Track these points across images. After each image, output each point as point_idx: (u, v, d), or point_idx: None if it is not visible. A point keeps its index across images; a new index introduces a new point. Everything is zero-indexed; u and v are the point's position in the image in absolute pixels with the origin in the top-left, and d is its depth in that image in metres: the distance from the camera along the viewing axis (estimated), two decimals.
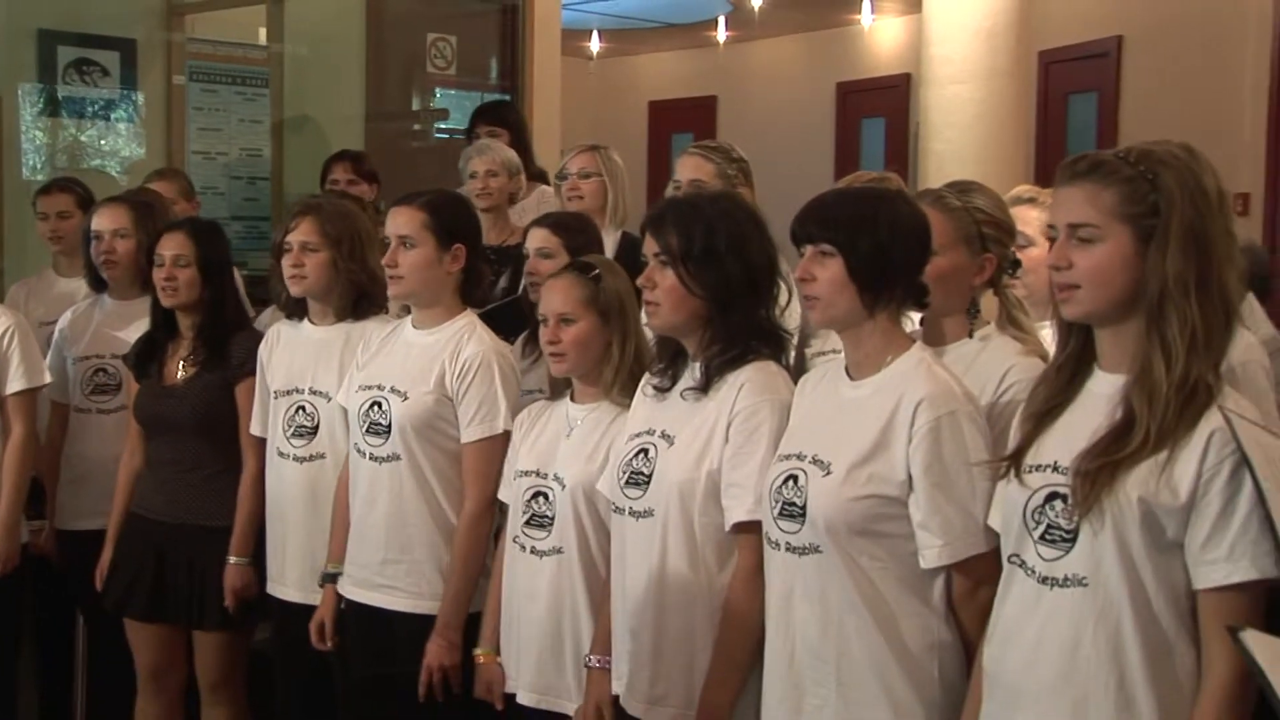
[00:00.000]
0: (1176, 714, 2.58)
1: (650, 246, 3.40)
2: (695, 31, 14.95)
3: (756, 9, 13.24)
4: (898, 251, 3.05)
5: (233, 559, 4.60)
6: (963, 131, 8.55)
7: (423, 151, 9.31)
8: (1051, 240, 3.29)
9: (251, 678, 4.86)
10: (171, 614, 4.71)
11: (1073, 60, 11.53)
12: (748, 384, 3.29)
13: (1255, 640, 2.30)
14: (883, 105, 13.89)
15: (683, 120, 15.55)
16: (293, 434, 4.46)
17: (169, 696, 4.87)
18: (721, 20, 14.51)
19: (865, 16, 13.65)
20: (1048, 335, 3.71)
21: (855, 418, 3.04)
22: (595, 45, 15.31)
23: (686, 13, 14.19)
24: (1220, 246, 2.62)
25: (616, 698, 3.46)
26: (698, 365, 3.39)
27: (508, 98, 8.32)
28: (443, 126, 9.29)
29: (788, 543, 3.06)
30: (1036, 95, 10.51)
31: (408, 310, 4.35)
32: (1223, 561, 2.54)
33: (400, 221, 4.12)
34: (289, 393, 4.50)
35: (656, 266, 3.37)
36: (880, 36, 14.03)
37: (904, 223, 3.09)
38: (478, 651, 3.94)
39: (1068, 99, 11.78)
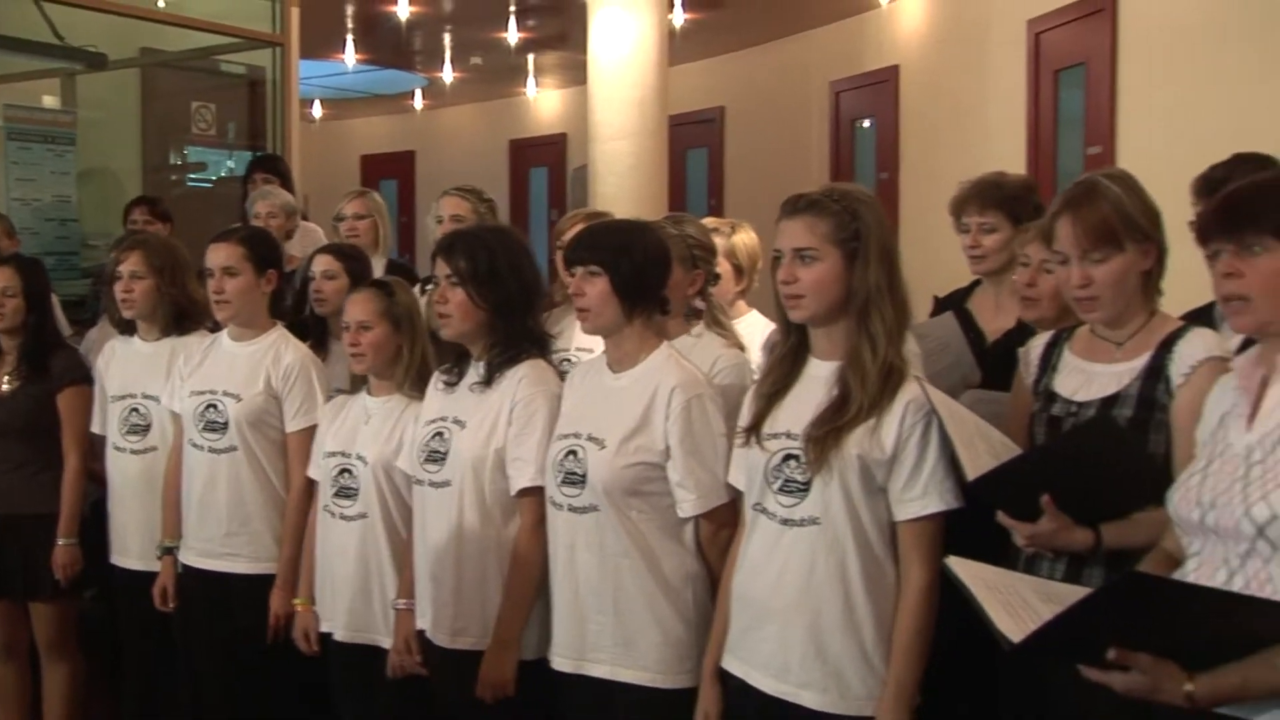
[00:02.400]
0: (886, 616, 2.62)
1: (442, 269, 3.27)
2: (398, 100, 14.75)
3: (447, 84, 13.18)
4: (650, 271, 3.01)
5: (61, 540, 4.31)
6: (620, 177, 8.55)
7: (189, 196, 8.94)
8: (734, 265, 3.26)
9: (82, 637, 4.58)
10: (10, 590, 4.42)
11: (690, 124, 11.73)
12: (525, 378, 3.21)
13: (958, 564, 2.30)
14: (545, 157, 13.88)
15: (388, 170, 15.28)
16: (128, 431, 4.21)
17: (19, 661, 4.56)
18: (418, 91, 14.35)
19: (530, 89, 13.71)
20: (739, 327, 3.75)
21: (621, 402, 2.99)
22: (318, 111, 14.96)
23: (390, 86, 13.98)
24: (898, 262, 2.65)
25: (420, 632, 3.33)
26: (481, 364, 3.28)
27: (273, 153, 8.05)
28: (195, 177, 9.05)
29: (570, 504, 3.00)
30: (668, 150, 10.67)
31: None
32: (917, 499, 2.59)
33: (222, 255, 3.90)
34: (124, 397, 4.24)
35: (448, 286, 3.25)
36: (542, 104, 14.04)
37: (654, 248, 3.07)
38: (295, 601, 3.76)
39: (686, 154, 11.99)
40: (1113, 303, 2.63)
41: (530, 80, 13.44)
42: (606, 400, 3.02)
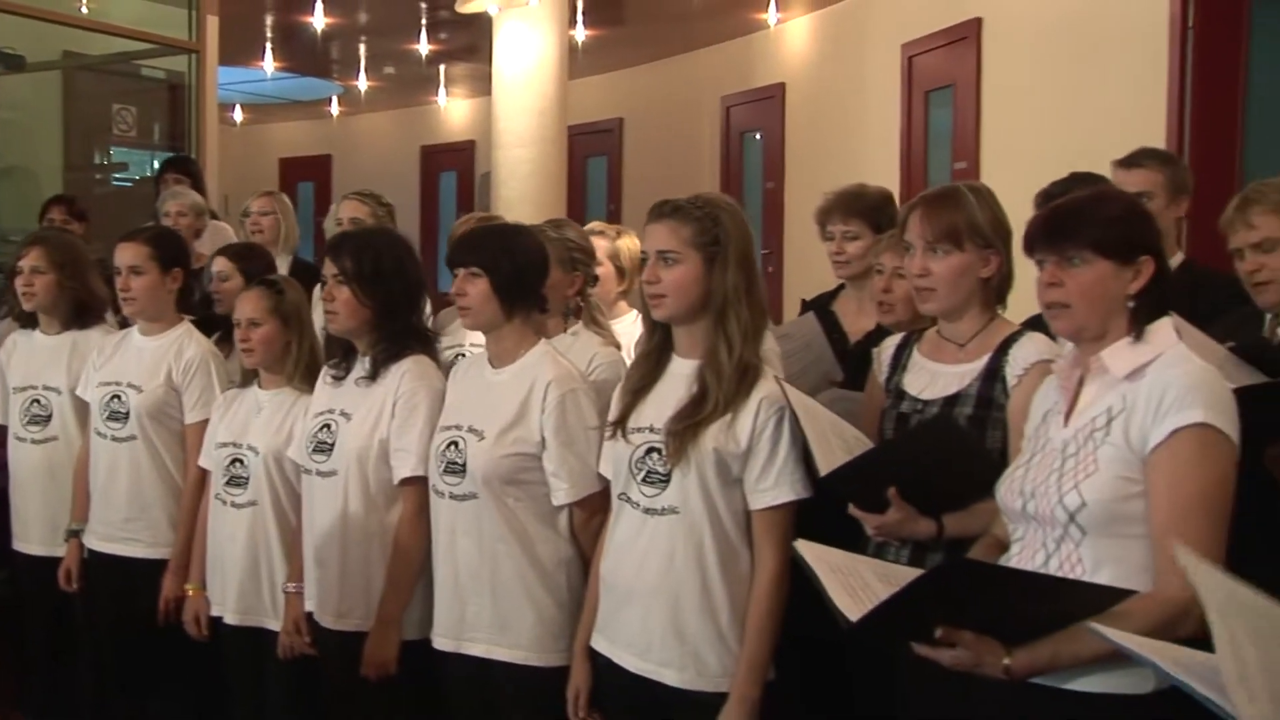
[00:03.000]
0: (740, 599, 2.62)
1: (330, 268, 3.22)
2: (315, 106, 14.54)
3: (362, 92, 13.03)
4: (528, 272, 2.99)
5: None
6: (522, 181, 8.54)
7: (111, 196, 8.86)
8: (618, 267, 3.26)
9: None
10: None
11: (591, 134, 11.72)
12: (408, 373, 3.17)
13: (805, 548, 2.31)
14: (455, 163, 13.78)
15: (306, 173, 15.07)
16: (29, 422, 4.08)
17: None
18: (335, 98, 14.17)
19: (441, 98, 13.59)
20: (617, 328, 3.74)
21: (500, 396, 2.96)
22: (239, 115, 14.70)
23: (308, 93, 13.80)
24: (756, 268, 2.65)
25: (309, 614, 3.28)
26: (367, 360, 3.23)
27: (187, 154, 7.92)
28: (120, 176, 8.95)
29: (451, 492, 2.97)
30: (568, 158, 10.65)
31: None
32: (770, 489, 2.60)
33: (128, 255, 3.80)
34: (25, 389, 4.11)
35: (335, 284, 3.20)
36: (452, 113, 13.93)
37: (532, 251, 3.04)
38: (187, 586, 3.68)
39: (587, 162, 11.98)
40: (946, 297, 2.64)
41: (441, 90, 13.35)
42: (487, 394, 2.99)
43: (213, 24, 8.43)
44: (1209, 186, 3.67)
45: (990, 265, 2.65)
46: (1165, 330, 2.22)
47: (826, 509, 2.61)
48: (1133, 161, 3.62)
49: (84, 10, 8.20)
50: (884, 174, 7.48)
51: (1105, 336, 2.22)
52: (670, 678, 2.63)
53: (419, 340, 3.25)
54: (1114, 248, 2.19)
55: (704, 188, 10.49)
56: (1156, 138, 5.64)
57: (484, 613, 2.94)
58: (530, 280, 2.99)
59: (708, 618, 2.60)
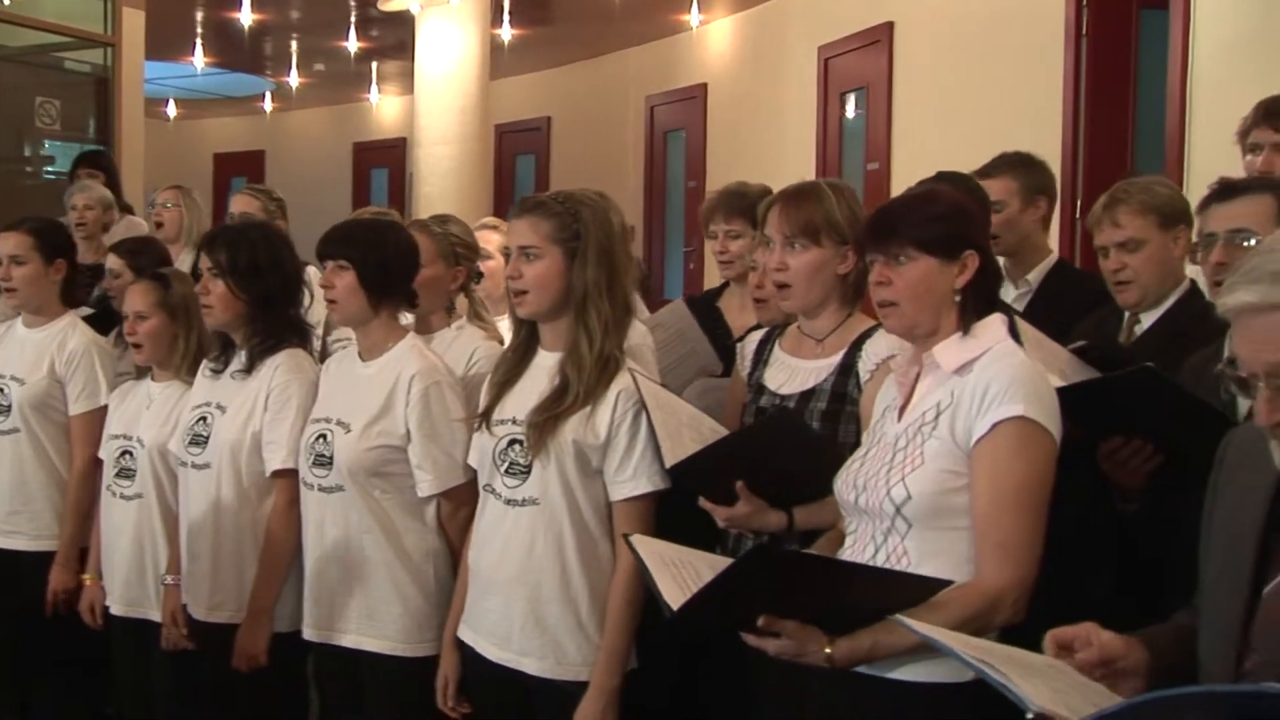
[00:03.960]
0: (600, 589, 2.61)
1: (205, 262, 3.19)
2: (248, 102, 14.40)
3: (294, 88, 12.91)
4: (396, 266, 2.97)
5: None
6: (443, 178, 8.52)
7: (34, 188, 8.74)
8: (506, 257, 3.22)
9: None
10: None
11: (519, 132, 11.71)
12: (281, 366, 3.15)
13: (639, 541, 2.32)
14: (386, 160, 13.68)
15: (239, 168, 14.88)
16: None
17: None
18: (268, 94, 14.04)
19: (373, 95, 13.50)
20: (504, 325, 3.73)
21: (367, 389, 2.95)
22: (172, 110, 14.54)
23: (241, 88, 13.66)
24: (621, 262, 2.66)
25: (186, 606, 3.25)
26: (243, 353, 3.21)
27: (104, 148, 7.82)
28: (49, 170, 8.77)
29: (319, 484, 2.95)
30: (495, 155, 10.63)
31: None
32: (629, 480, 2.59)
33: (9, 244, 3.75)
34: None
35: (210, 278, 3.17)
36: (384, 110, 13.83)
37: (401, 245, 3.03)
38: (84, 576, 3.63)
39: (516, 159, 11.96)
40: (804, 293, 2.64)
41: (373, 87, 13.25)
42: (355, 387, 2.98)
43: (136, 18, 8.35)
44: (1103, 184, 3.73)
45: (848, 262, 2.65)
46: (994, 326, 2.24)
47: (693, 501, 2.62)
48: (986, 172, 3.67)
49: (5, 3, 8.09)
50: (801, 173, 7.40)
51: (937, 333, 2.24)
52: (530, 666, 2.62)
53: (295, 333, 3.23)
54: (938, 244, 2.21)
55: (629, 186, 10.59)
56: (1054, 137, 5.72)
57: (352, 604, 2.92)
58: (398, 274, 2.97)
59: (567, 607, 2.60)
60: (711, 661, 2.78)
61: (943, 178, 3.22)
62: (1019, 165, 3.64)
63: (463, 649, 2.77)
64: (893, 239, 2.22)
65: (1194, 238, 2.85)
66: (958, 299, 2.22)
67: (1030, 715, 1.51)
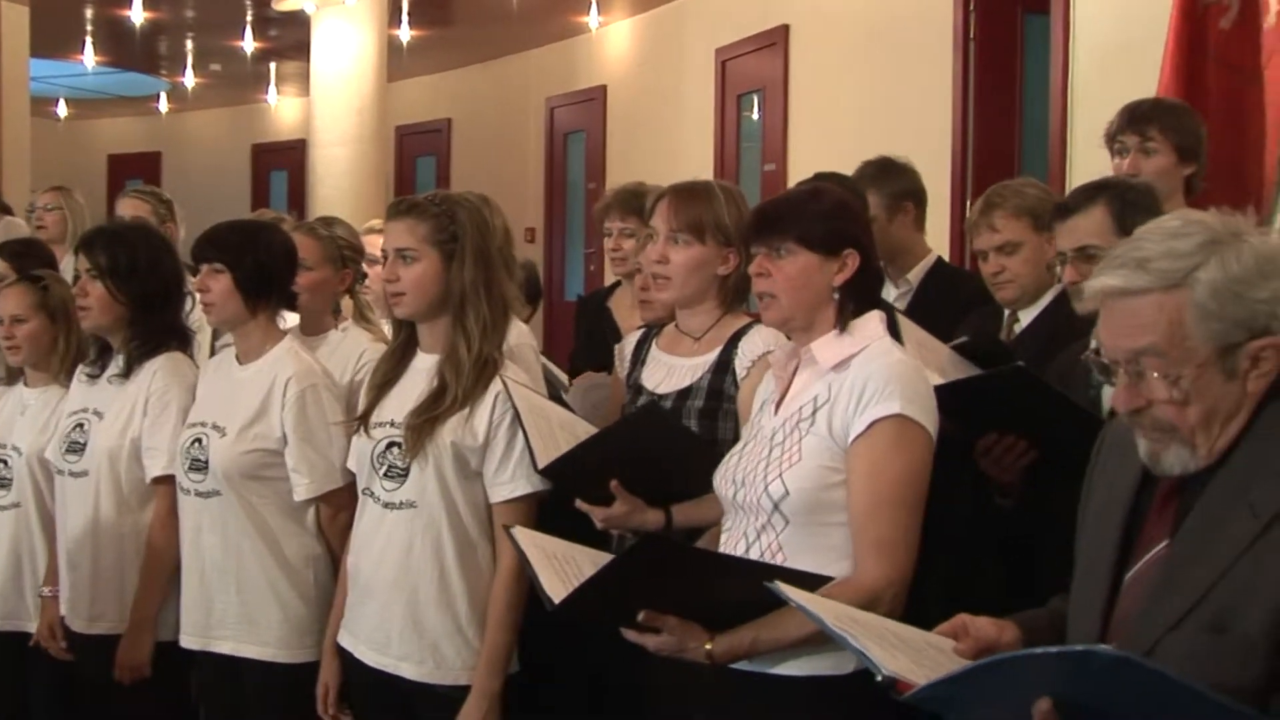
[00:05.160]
0: (480, 592, 2.59)
1: (83, 264, 3.10)
2: (143, 103, 14.09)
3: (190, 88, 12.67)
4: (273, 268, 2.91)
5: None
6: (339, 180, 8.42)
7: None
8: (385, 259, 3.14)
9: None
10: None
11: (419, 133, 11.62)
12: (160, 370, 3.07)
13: (521, 534, 2.31)
14: (286, 162, 13.46)
15: (135, 170, 14.52)
16: None
17: None
18: (163, 94, 13.76)
19: (271, 96, 13.30)
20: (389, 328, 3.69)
21: (244, 392, 2.89)
22: (63, 110, 14.15)
23: (134, 88, 13.37)
24: (498, 263, 2.63)
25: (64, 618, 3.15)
26: (121, 357, 3.12)
27: None
28: None
29: (196, 489, 2.88)
30: (395, 157, 10.53)
31: None
32: (508, 482, 2.58)
33: None
34: None
35: (88, 280, 3.08)
36: (283, 111, 13.63)
37: (277, 246, 2.97)
38: None
39: (416, 160, 11.86)
40: (680, 286, 2.64)
41: (271, 88, 13.05)
42: (231, 390, 2.92)
43: (18, 13, 8.12)
44: (990, 185, 3.79)
45: (729, 264, 2.66)
46: (872, 324, 2.25)
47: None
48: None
49: None
50: (699, 174, 7.45)
51: (814, 328, 2.24)
52: (409, 671, 2.58)
53: (175, 337, 3.15)
54: (819, 240, 2.22)
55: (530, 187, 10.56)
56: (944, 139, 5.80)
57: (231, 610, 2.86)
58: (275, 276, 2.91)
59: (446, 611, 2.57)
60: (605, 659, 2.75)
61: (821, 179, 3.24)
62: (878, 176, 3.64)
63: (343, 655, 2.72)
64: (775, 232, 2.23)
65: None
66: (836, 296, 2.23)
67: (880, 677, 1.53)
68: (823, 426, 2.16)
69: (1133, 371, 1.61)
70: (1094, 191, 2.73)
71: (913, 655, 1.64)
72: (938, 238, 4.23)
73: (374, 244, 3.81)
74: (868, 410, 2.11)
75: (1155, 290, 1.58)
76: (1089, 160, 4.34)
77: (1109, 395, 2.58)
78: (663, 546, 2.12)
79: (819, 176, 3.29)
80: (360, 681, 2.69)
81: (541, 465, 2.45)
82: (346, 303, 3.48)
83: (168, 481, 2.99)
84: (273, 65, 12.03)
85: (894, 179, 3.66)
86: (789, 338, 2.34)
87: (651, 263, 2.68)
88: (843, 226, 2.25)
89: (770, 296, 2.24)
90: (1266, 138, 3.76)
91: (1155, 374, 1.59)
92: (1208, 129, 3.38)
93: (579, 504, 2.52)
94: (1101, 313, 1.65)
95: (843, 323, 2.23)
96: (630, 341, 2.87)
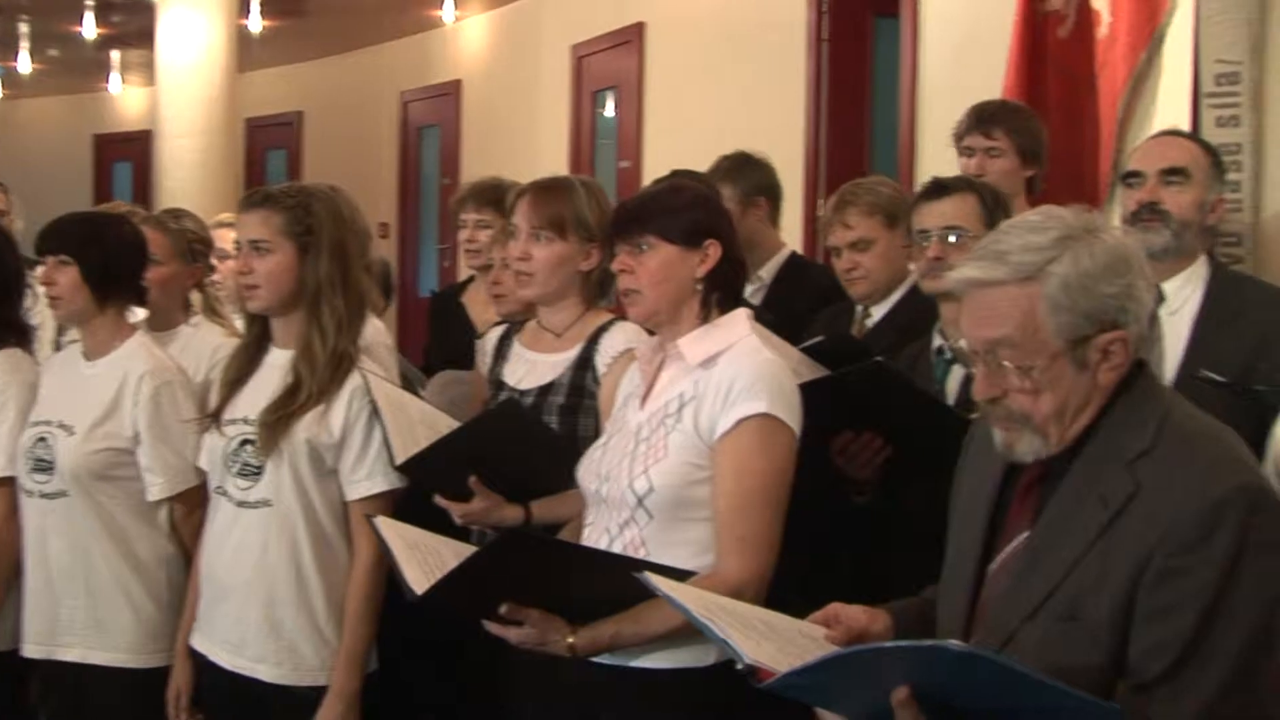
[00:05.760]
0: (337, 592, 2.55)
1: None
2: None
3: (25, 75, 12.14)
4: (122, 261, 2.82)
5: None
6: (188, 172, 8.14)
7: None
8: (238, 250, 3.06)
9: None
10: None
11: (269, 126, 11.37)
12: None
13: (383, 524, 2.28)
14: (130, 152, 13.02)
15: None
16: None
17: None
18: None
19: (114, 85, 12.83)
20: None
21: (92, 389, 2.78)
22: None
23: None
24: (355, 257, 2.60)
25: None
26: None
27: None
28: None
29: (41, 491, 2.77)
30: (244, 150, 10.28)
31: None
32: (364, 479, 2.55)
33: None
34: None
35: None
36: (128, 100, 13.18)
37: (126, 239, 2.87)
38: None
39: (266, 153, 11.60)
40: (543, 283, 2.63)
41: (115, 76, 12.59)
42: (79, 388, 2.81)
43: None
44: (842, 183, 3.85)
45: (591, 259, 2.65)
46: (739, 321, 2.27)
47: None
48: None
49: None
50: (554, 170, 7.47)
51: (679, 322, 2.25)
52: (265, 673, 2.53)
53: (14, 333, 3.01)
54: (678, 232, 2.23)
55: (383, 181, 10.35)
56: (796, 137, 5.87)
57: (79, 615, 2.75)
58: (123, 269, 2.82)
59: (303, 611, 2.52)
60: (466, 655, 2.73)
61: (678, 176, 3.26)
62: (733, 170, 3.68)
63: (196, 658, 2.65)
64: (636, 227, 2.24)
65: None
66: (699, 288, 2.24)
67: (741, 665, 1.54)
68: (689, 423, 2.17)
69: (989, 361, 1.66)
70: (968, 182, 2.82)
71: (781, 644, 1.66)
72: (790, 234, 4.28)
73: (224, 238, 3.73)
74: (735, 408, 2.12)
75: (1010, 283, 1.63)
76: (937, 160, 4.45)
77: (953, 390, 2.66)
78: (528, 539, 2.11)
79: (675, 174, 3.30)
80: (214, 684, 2.62)
81: (400, 461, 2.43)
82: (196, 298, 3.39)
83: (6, 484, 2.85)
84: (115, 53, 11.62)
85: (749, 174, 3.70)
86: (651, 334, 2.34)
87: (514, 259, 2.66)
88: (703, 218, 2.27)
89: (635, 292, 2.24)
90: (1101, 142, 3.90)
91: (1009, 364, 1.63)
92: (1048, 132, 3.49)
93: (437, 500, 2.50)
94: (962, 303, 1.70)
95: (707, 315, 2.25)
96: (492, 338, 2.85)
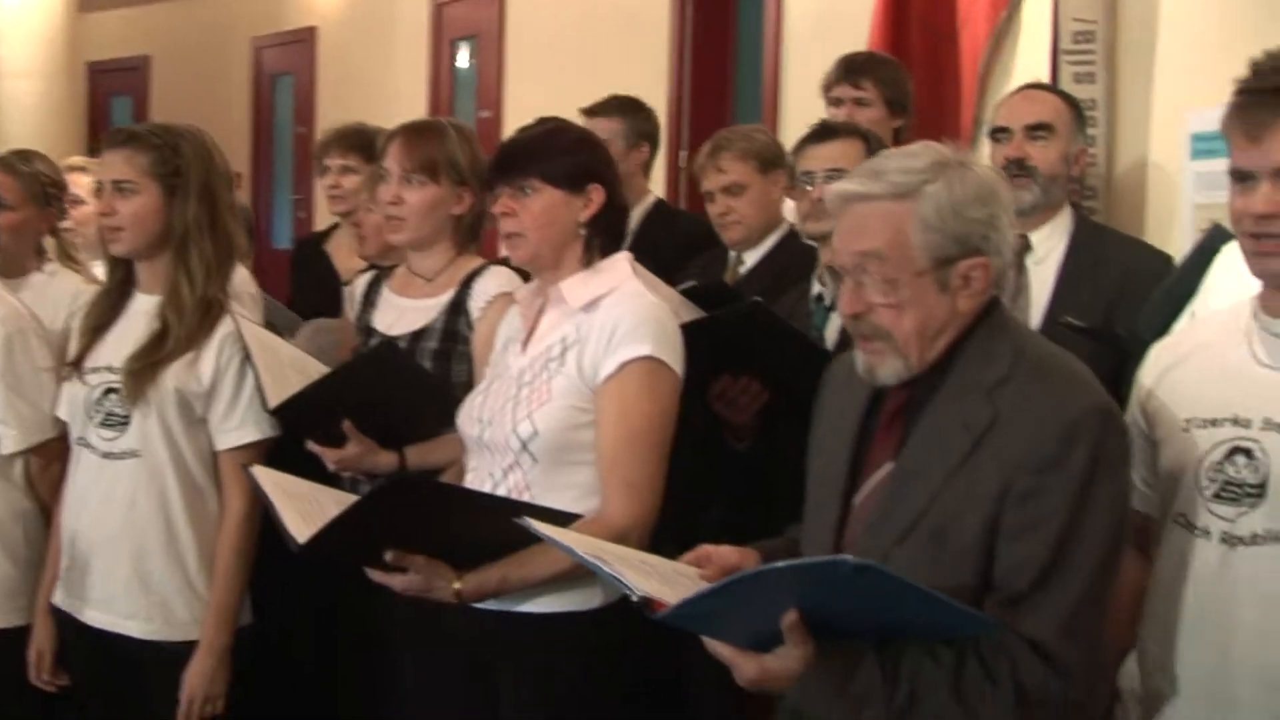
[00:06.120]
0: (209, 544, 2.48)
1: None
2: None
3: None
4: None
5: None
6: (27, 114, 7.77)
7: None
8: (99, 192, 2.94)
9: None
10: None
11: (114, 71, 10.92)
12: None
13: (260, 473, 2.22)
14: None
15: None
16: None
17: None
18: None
19: None
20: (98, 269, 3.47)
21: None
22: None
23: None
24: (224, 200, 2.51)
25: None
26: None
27: None
28: None
29: None
30: (87, 95, 9.87)
31: None
32: (235, 429, 2.48)
33: None
34: None
35: None
36: None
37: None
38: None
39: (111, 100, 11.16)
40: (416, 227, 2.59)
41: None
42: None
43: None
44: (706, 131, 3.85)
45: (464, 203, 2.62)
46: (621, 265, 2.26)
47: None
48: (594, 110, 3.74)
49: None
50: (413, 118, 7.38)
51: (561, 266, 2.23)
52: (135, 629, 2.46)
53: None
54: (563, 176, 2.20)
55: (235, 131, 9.99)
56: (660, 85, 5.81)
57: None
58: None
59: (174, 565, 2.45)
60: (344, 606, 2.68)
61: (543, 122, 3.22)
62: (627, 109, 3.70)
63: (59, 616, 2.56)
64: (519, 170, 2.20)
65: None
66: (583, 232, 2.22)
67: (635, 598, 1.55)
68: (572, 366, 2.15)
69: (857, 275, 1.70)
70: (854, 127, 2.86)
71: (663, 580, 1.67)
72: (652, 184, 4.27)
73: (76, 182, 3.60)
74: (619, 351, 2.11)
75: (886, 198, 1.68)
76: (801, 111, 4.48)
77: (832, 337, 2.69)
78: (415, 483, 2.08)
79: (543, 121, 3.27)
80: (80, 643, 2.54)
81: (273, 405, 2.36)
82: (50, 244, 3.26)
83: None
84: None
85: (640, 117, 3.75)
86: (525, 278, 2.31)
87: (385, 204, 2.60)
88: (586, 162, 2.25)
89: (518, 235, 2.21)
90: (962, 96, 3.97)
91: (878, 277, 1.68)
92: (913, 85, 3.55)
93: (310, 445, 2.46)
94: (837, 221, 1.74)
95: (590, 260, 2.23)
96: (360, 284, 2.79)
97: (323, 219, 8.92)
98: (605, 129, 3.59)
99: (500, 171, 2.23)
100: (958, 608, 1.49)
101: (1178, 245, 3.10)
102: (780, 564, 1.47)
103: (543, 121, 3.18)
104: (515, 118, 6.98)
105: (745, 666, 1.55)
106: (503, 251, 2.36)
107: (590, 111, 3.71)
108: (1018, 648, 1.58)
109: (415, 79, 8.11)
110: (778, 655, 1.52)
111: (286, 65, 9.70)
